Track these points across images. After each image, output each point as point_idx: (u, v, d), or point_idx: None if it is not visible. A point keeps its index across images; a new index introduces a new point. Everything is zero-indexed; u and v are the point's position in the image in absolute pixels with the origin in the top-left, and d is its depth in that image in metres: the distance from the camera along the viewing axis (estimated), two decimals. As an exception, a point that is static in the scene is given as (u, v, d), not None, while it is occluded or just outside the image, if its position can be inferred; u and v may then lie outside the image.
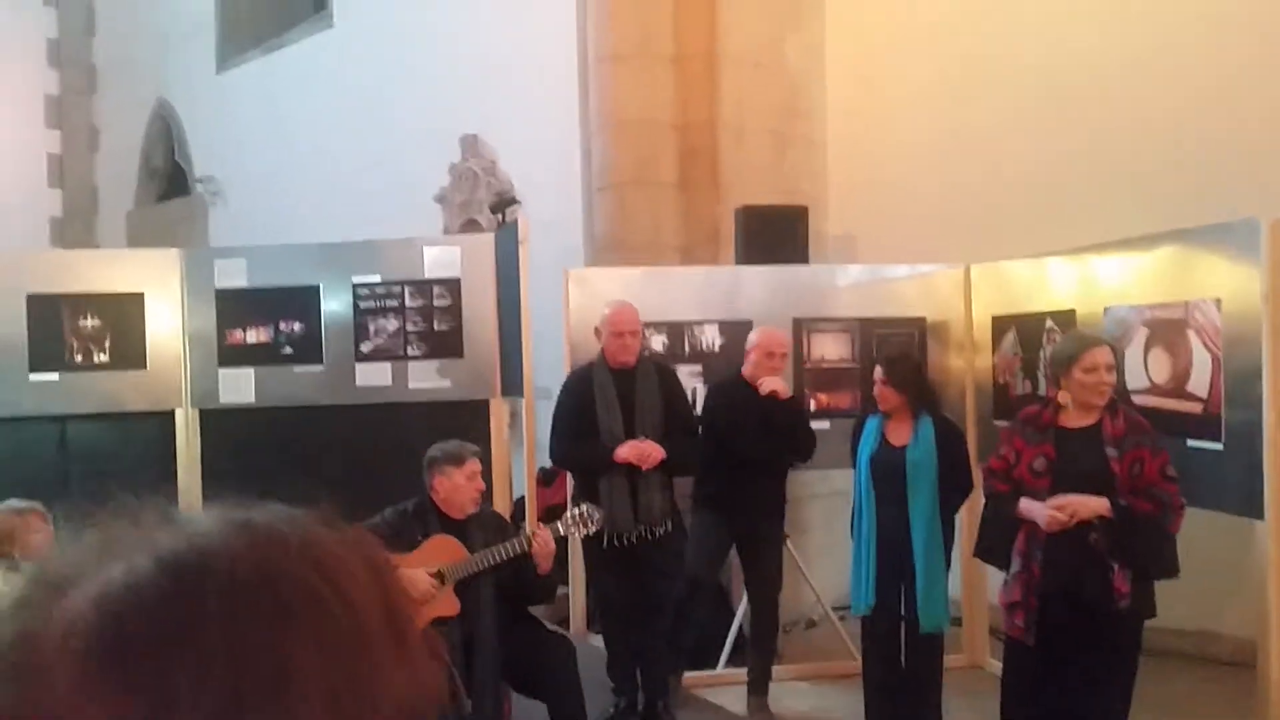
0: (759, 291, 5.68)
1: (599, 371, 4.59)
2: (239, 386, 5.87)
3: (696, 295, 5.70)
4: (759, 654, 5.05)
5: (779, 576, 5.06)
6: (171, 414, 5.93)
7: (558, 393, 4.80)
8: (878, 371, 4.44)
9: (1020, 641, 3.87)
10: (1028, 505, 3.77)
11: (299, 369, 5.84)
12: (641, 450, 4.37)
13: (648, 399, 4.53)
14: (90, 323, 5.86)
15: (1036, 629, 3.81)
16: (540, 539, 3.86)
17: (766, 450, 4.79)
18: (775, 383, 4.75)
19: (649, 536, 4.44)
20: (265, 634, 0.54)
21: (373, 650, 0.57)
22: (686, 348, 5.61)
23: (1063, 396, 3.88)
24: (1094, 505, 3.64)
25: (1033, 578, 3.79)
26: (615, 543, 4.40)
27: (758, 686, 5.02)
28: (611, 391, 4.52)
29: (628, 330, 4.55)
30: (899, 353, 4.95)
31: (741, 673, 5.16)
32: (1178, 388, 4.30)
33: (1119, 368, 3.92)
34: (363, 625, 0.57)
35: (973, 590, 5.65)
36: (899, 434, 4.38)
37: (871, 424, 4.48)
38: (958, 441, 4.50)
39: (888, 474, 4.34)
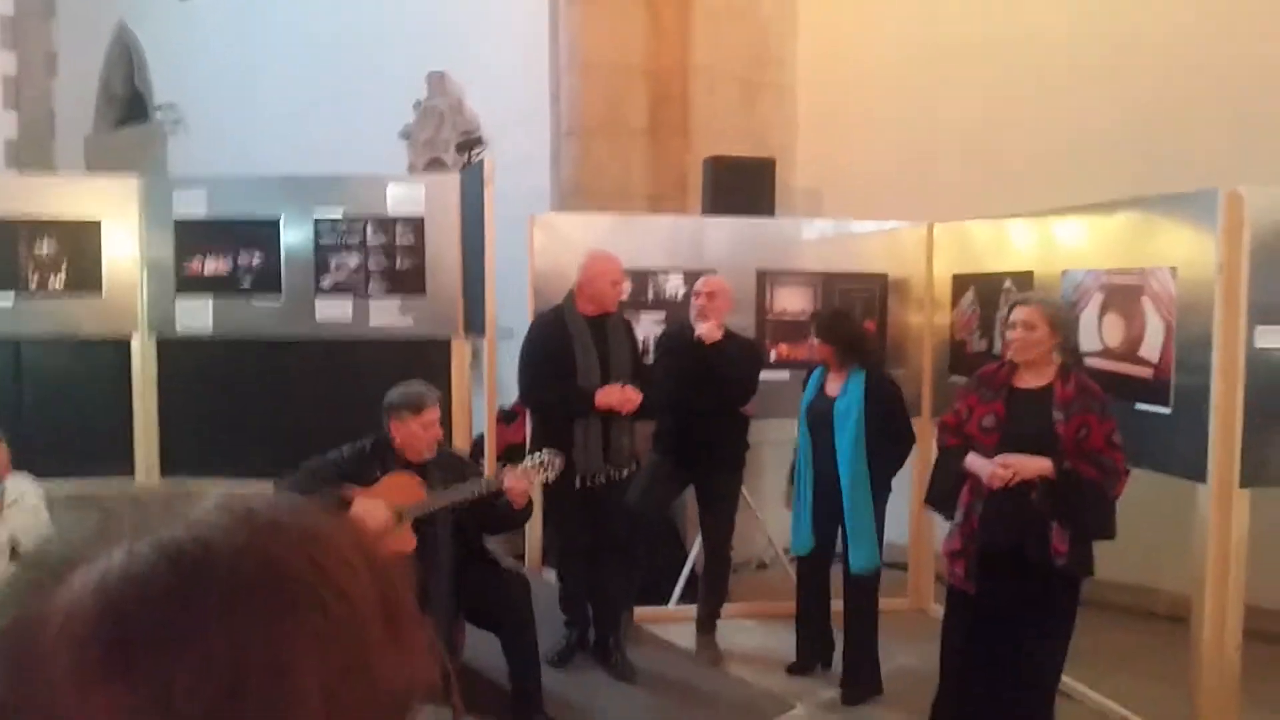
0: (724, 242, 5.71)
1: (573, 317, 4.59)
2: (196, 316, 5.83)
3: (662, 244, 5.71)
4: (709, 595, 5.19)
5: (731, 524, 5.16)
6: (127, 341, 5.88)
7: (526, 334, 4.80)
8: (814, 331, 4.76)
9: (960, 590, 3.97)
10: (973, 460, 3.86)
11: (257, 301, 5.81)
12: (624, 395, 4.42)
13: (619, 347, 4.58)
14: (46, 248, 5.78)
15: (976, 580, 3.91)
16: (513, 481, 3.89)
17: (706, 396, 4.87)
18: (705, 328, 4.83)
19: (615, 478, 4.51)
20: (264, 629, 0.54)
21: (369, 643, 0.57)
22: (651, 295, 5.63)
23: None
24: (1037, 466, 3.71)
25: (972, 529, 3.88)
26: (586, 483, 4.46)
27: (705, 625, 5.16)
28: (588, 337, 4.55)
29: (617, 280, 4.64)
30: (830, 310, 5.13)
31: (692, 609, 5.28)
32: (1130, 352, 4.39)
33: (1064, 328, 3.95)
34: (359, 619, 0.57)
35: (920, 537, 5.78)
36: (834, 385, 4.66)
37: (815, 376, 4.78)
38: (888, 394, 4.67)
39: (819, 422, 4.65)
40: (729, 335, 4.93)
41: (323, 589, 0.57)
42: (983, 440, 3.88)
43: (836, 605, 4.90)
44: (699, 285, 5.08)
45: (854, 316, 5.11)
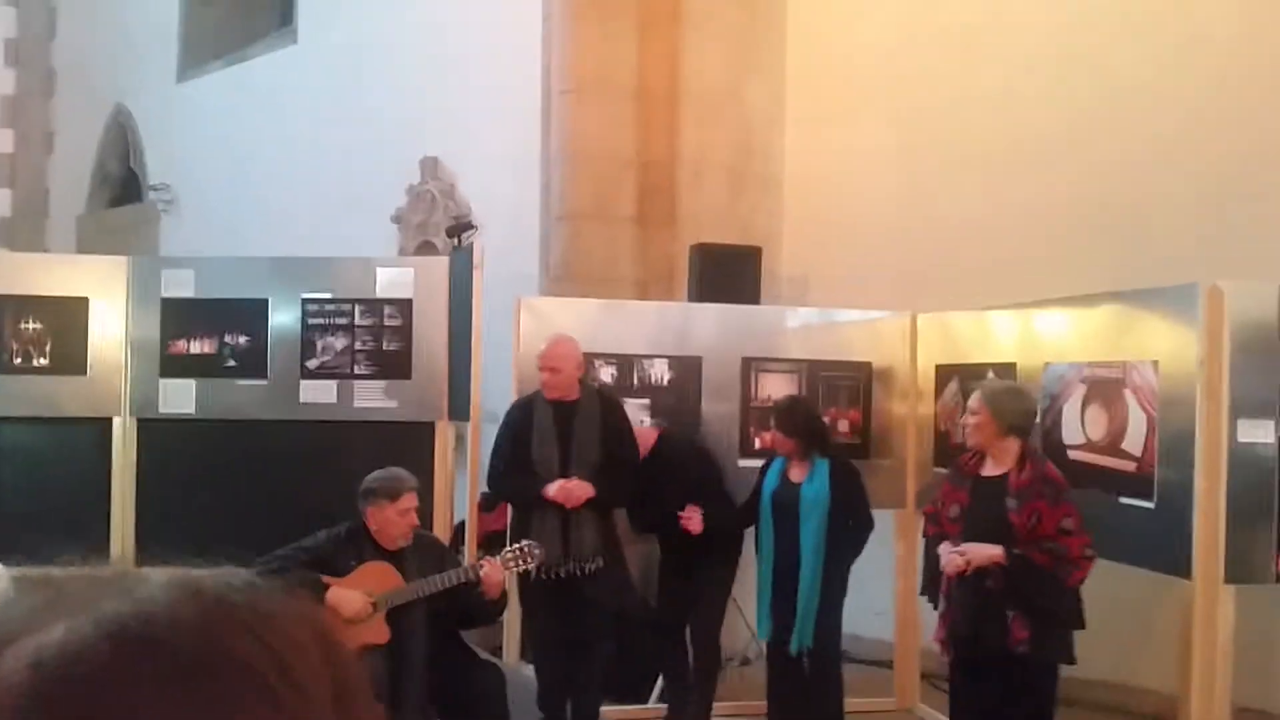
0: (710, 329, 5.72)
1: (539, 403, 4.58)
2: (180, 397, 5.79)
3: (648, 330, 5.72)
4: (702, 692, 5.10)
5: (712, 616, 5.10)
6: (109, 421, 5.83)
7: (504, 416, 4.79)
8: (772, 419, 4.80)
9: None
10: (941, 548, 3.99)
11: (242, 382, 5.78)
12: (567, 490, 4.37)
13: (585, 433, 4.52)
14: (32, 325, 5.77)
15: (959, 668, 4.04)
16: (489, 571, 3.83)
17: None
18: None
19: (579, 572, 4.43)
20: (205, 713, 0.51)
21: None
22: (635, 381, 5.62)
23: None
24: (989, 553, 3.81)
25: (951, 618, 4.03)
26: (545, 576, 4.39)
27: None
28: (549, 424, 4.51)
29: (548, 366, 4.55)
30: (788, 401, 5.12)
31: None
32: (1113, 445, 4.39)
33: (1005, 415, 4.01)
34: (308, 707, 0.54)
35: (905, 633, 5.69)
36: (798, 472, 4.69)
37: (777, 464, 4.82)
38: (851, 480, 4.70)
39: (784, 508, 4.66)
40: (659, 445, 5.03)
41: (272, 676, 0.54)
42: (950, 529, 4.03)
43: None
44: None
45: (812, 405, 5.12)
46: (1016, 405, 4.11)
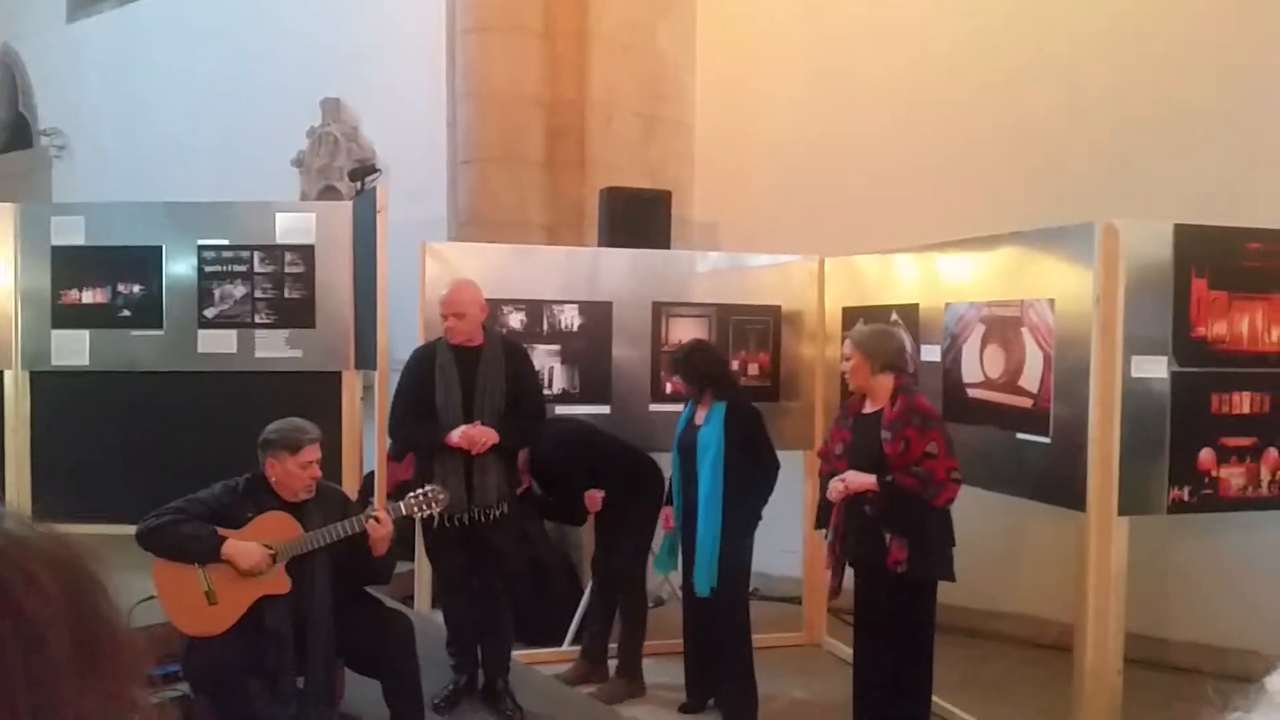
0: (620, 274, 5.69)
1: (441, 350, 4.49)
2: (73, 348, 5.61)
3: (557, 275, 5.67)
4: (633, 634, 5.18)
5: (642, 559, 5.17)
6: (0, 374, 5.63)
7: (406, 362, 4.72)
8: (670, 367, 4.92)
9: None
10: (830, 481, 4.23)
11: (137, 332, 5.62)
12: (471, 436, 4.33)
13: (489, 379, 4.45)
14: (-88, 275, 5.52)
15: (851, 592, 4.29)
16: (375, 524, 3.75)
17: None
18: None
19: (484, 518, 4.41)
20: None
21: (47, 668, 0.53)
22: (546, 327, 5.58)
23: None
24: (863, 480, 4.08)
25: (838, 547, 4.29)
26: (448, 523, 4.36)
27: (628, 665, 5.12)
28: (452, 371, 4.43)
29: (451, 312, 4.45)
30: (682, 349, 5.07)
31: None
32: (1010, 383, 4.47)
33: (876, 355, 4.19)
34: (35, 642, 0.52)
35: (813, 571, 5.79)
36: (701, 415, 4.76)
37: (688, 407, 4.90)
38: (747, 420, 4.73)
39: (686, 451, 4.77)
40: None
41: None
42: (837, 465, 4.27)
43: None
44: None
45: (711, 348, 5.12)
46: (885, 345, 4.28)
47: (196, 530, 3.61)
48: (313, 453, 3.75)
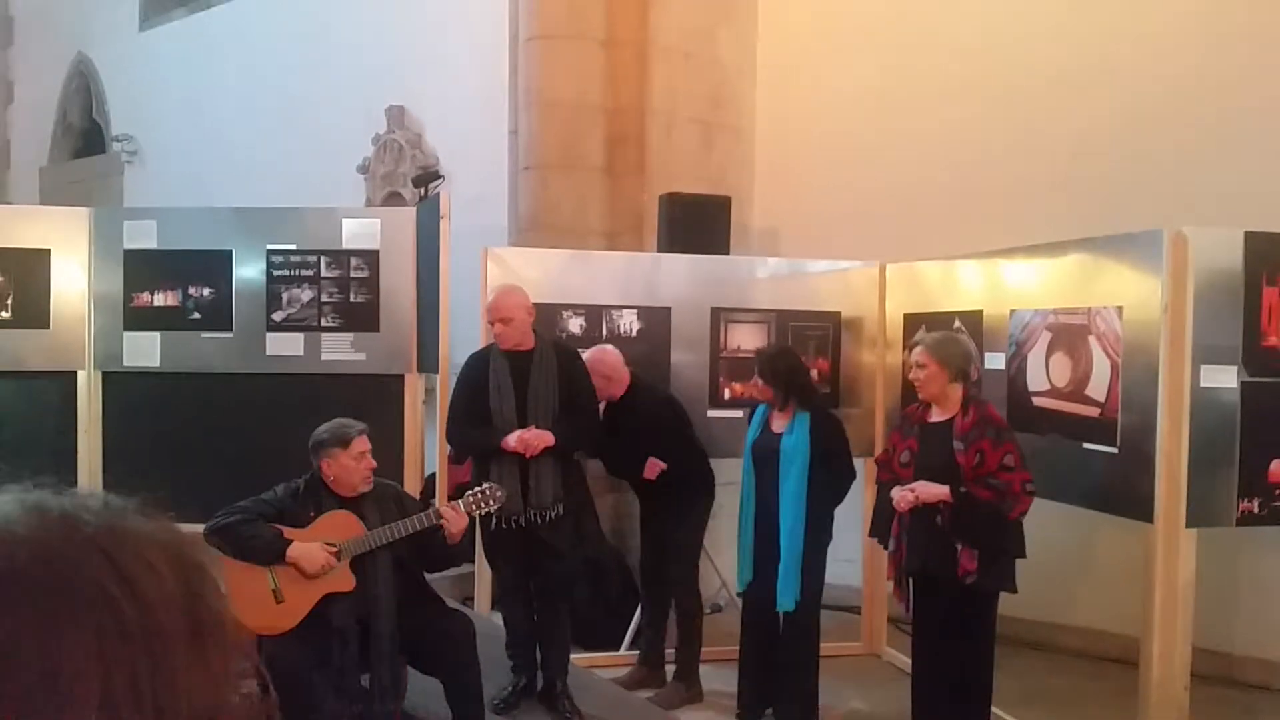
0: (679, 279, 5.70)
1: (495, 355, 4.54)
2: (144, 350, 5.73)
3: (617, 280, 5.70)
4: (688, 637, 5.18)
5: (681, 561, 5.15)
6: (74, 375, 5.78)
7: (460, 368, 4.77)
8: (757, 366, 4.74)
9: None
10: (894, 491, 4.17)
11: (207, 335, 5.72)
12: (525, 440, 4.36)
13: (542, 383, 4.49)
14: (-8, 278, 5.68)
15: (911, 604, 4.25)
16: (450, 514, 3.83)
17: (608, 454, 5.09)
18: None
19: (539, 520, 4.43)
20: (35, 626, 0.51)
21: (165, 650, 0.54)
22: (605, 331, 5.60)
23: None
24: (935, 491, 4.03)
25: (902, 557, 4.22)
26: (504, 525, 4.40)
27: (685, 670, 5.12)
28: (505, 375, 4.47)
29: (498, 318, 4.50)
30: (774, 349, 5.11)
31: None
32: (1077, 391, 4.41)
33: (951, 363, 4.16)
34: (155, 623, 0.54)
35: (873, 581, 5.75)
36: (780, 422, 4.65)
37: (759, 412, 4.78)
38: (832, 431, 4.69)
39: (764, 459, 4.65)
40: (631, 393, 5.06)
41: (114, 589, 0.53)
42: (902, 474, 4.21)
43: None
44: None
45: (796, 354, 5.06)
46: (957, 351, 4.26)
47: (262, 531, 3.68)
48: (363, 443, 3.82)
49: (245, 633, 0.61)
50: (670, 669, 5.22)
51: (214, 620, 0.58)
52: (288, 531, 3.71)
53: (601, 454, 5.13)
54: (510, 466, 4.38)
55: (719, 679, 5.26)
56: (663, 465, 4.99)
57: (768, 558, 4.61)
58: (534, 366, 4.49)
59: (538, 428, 4.40)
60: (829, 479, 4.61)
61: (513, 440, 4.36)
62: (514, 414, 4.44)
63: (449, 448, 5.06)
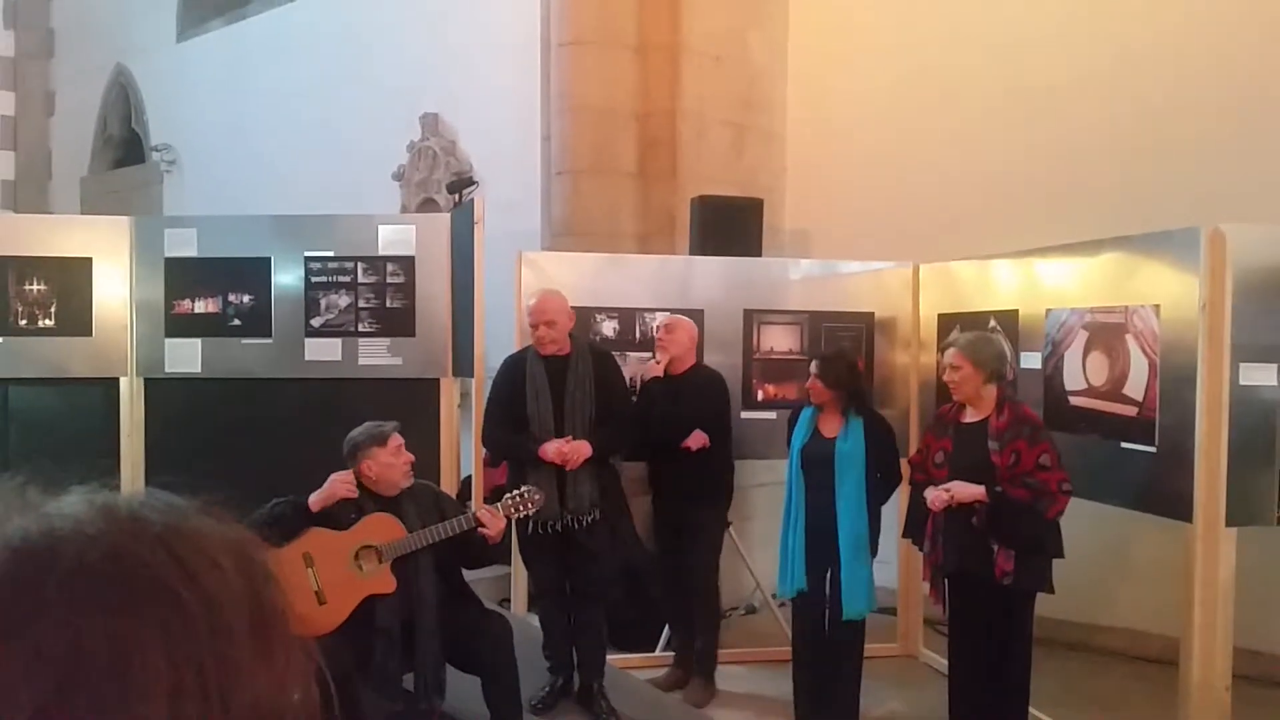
0: (712, 281, 5.72)
1: (531, 359, 4.56)
2: (185, 357, 5.82)
3: (649, 283, 5.73)
4: (700, 635, 5.16)
5: (711, 560, 5.17)
6: (116, 381, 5.87)
7: (496, 372, 4.81)
8: (812, 366, 4.63)
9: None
10: (928, 491, 4.17)
11: (247, 341, 5.80)
12: (564, 453, 4.37)
13: (578, 388, 4.50)
14: (36, 287, 5.78)
15: (947, 603, 4.25)
16: (488, 516, 3.87)
17: (668, 432, 4.97)
18: (648, 365, 5.06)
19: (576, 524, 4.45)
20: (105, 624, 0.52)
21: (230, 647, 0.55)
22: (638, 334, 5.63)
23: None
24: (971, 491, 4.02)
25: (938, 558, 4.21)
26: (541, 529, 4.42)
27: (702, 667, 5.11)
28: (542, 380, 4.49)
29: (543, 320, 4.51)
30: (834, 351, 5.10)
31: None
32: (1114, 390, 4.39)
33: (987, 364, 4.18)
34: (221, 620, 0.55)
35: (909, 582, 5.74)
36: (830, 426, 4.58)
37: (805, 415, 4.68)
38: (886, 436, 4.67)
39: (817, 464, 4.55)
40: (692, 369, 5.06)
41: (181, 587, 0.54)
42: (936, 475, 4.20)
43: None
44: (658, 322, 5.19)
45: (852, 357, 4.98)
46: (991, 351, 4.27)
47: (284, 509, 3.75)
48: (399, 440, 3.87)
49: (307, 636, 0.62)
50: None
51: (277, 618, 0.59)
52: (327, 535, 3.76)
53: (653, 426, 4.96)
54: (547, 472, 4.41)
55: (753, 681, 5.28)
56: (706, 441, 4.94)
57: (819, 563, 4.54)
58: (570, 371, 4.51)
59: (575, 433, 4.42)
60: (884, 484, 4.60)
61: (551, 452, 4.38)
62: (551, 418, 4.46)
63: (485, 450, 5.08)
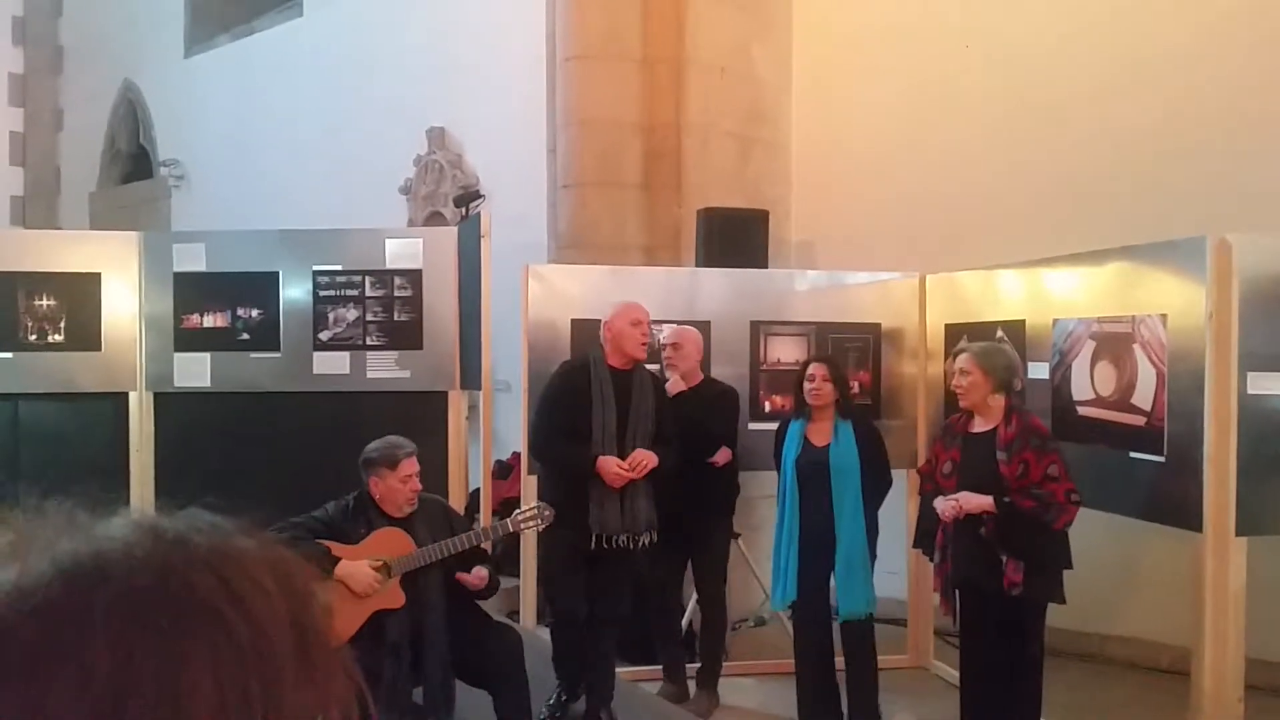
0: (718, 293, 5.73)
1: (599, 368, 4.44)
2: (194, 371, 5.84)
3: (655, 295, 5.69)
4: (706, 649, 5.15)
5: (720, 572, 5.16)
6: (125, 396, 5.88)
7: (548, 381, 4.65)
8: (817, 369, 4.64)
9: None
10: (937, 502, 4.16)
11: (256, 355, 5.81)
12: (627, 468, 4.28)
13: (642, 404, 4.43)
14: (46, 302, 5.81)
15: (957, 614, 4.24)
16: (474, 579, 3.87)
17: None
18: (670, 382, 4.96)
19: (629, 545, 4.36)
20: (154, 646, 0.52)
21: (275, 668, 0.55)
22: (645, 346, 5.63)
23: None
24: (978, 501, 4.01)
25: (947, 569, 4.20)
26: (606, 544, 4.33)
27: (706, 680, 5.10)
28: (610, 391, 4.38)
29: (646, 318, 4.48)
30: (828, 355, 5.10)
31: (690, 668, 5.23)
32: (1122, 400, 4.39)
33: (997, 372, 4.18)
34: (265, 641, 0.55)
35: (918, 593, 5.73)
36: (820, 435, 4.62)
37: (795, 427, 4.70)
38: (877, 441, 4.70)
39: (813, 474, 4.58)
40: (704, 382, 5.05)
41: (227, 609, 0.55)
42: (945, 485, 4.18)
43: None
44: (665, 337, 5.13)
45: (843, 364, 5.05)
46: (1002, 361, 4.27)
47: (310, 549, 3.74)
48: (410, 466, 3.86)
49: (347, 655, 0.62)
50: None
51: (319, 638, 0.59)
52: (336, 549, 3.77)
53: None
54: (609, 488, 4.33)
55: (762, 693, 5.27)
56: (730, 455, 4.95)
57: (819, 572, 4.56)
58: (635, 387, 4.44)
59: (635, 447, 4.35)
60: (877, 486, 4.63)
61: (610, 473, 4.28)
62: (615, 428, 4.37)
63: (535, 460, 4.89)
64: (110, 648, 0.52)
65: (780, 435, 4.80)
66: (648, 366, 4.76)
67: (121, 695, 0.51)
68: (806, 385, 4.61)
